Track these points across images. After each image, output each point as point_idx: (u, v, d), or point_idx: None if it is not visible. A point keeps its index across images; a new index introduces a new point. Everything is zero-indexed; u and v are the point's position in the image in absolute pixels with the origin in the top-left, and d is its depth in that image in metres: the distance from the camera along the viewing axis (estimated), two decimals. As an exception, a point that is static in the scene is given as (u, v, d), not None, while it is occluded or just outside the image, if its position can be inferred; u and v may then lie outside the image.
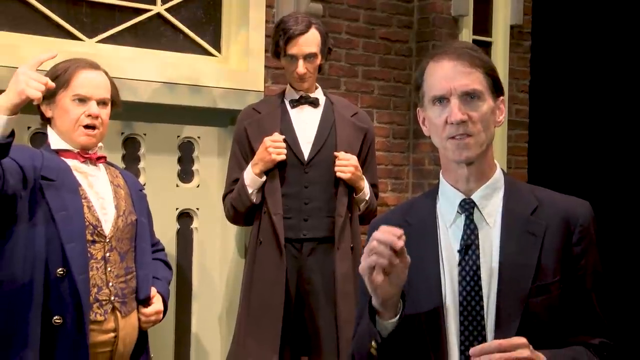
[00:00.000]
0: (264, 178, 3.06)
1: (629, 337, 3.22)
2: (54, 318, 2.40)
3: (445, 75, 1.69)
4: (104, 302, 2.51)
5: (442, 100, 1.70)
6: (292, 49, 3.06)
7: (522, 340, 1.53)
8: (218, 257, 3.74)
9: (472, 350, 1.53)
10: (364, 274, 1.58)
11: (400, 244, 1.53)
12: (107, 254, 2.54)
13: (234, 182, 3.16)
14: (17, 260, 2.39)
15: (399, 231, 1.54)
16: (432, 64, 1.73)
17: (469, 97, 1.68)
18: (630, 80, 4.90)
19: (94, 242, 2.50)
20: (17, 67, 2.25)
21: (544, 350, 1.58)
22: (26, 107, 2.25)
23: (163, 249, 2.95)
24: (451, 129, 1.68)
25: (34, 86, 2.19)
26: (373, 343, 1.65)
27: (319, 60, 3.13)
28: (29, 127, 3.21)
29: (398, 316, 1.63)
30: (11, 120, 2.19)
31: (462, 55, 1.71)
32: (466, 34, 4.17)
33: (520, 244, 1.68)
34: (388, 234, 1.53)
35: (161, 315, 2.72)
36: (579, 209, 1.74)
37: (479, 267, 1.68)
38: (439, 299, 1.69)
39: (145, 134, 3.57)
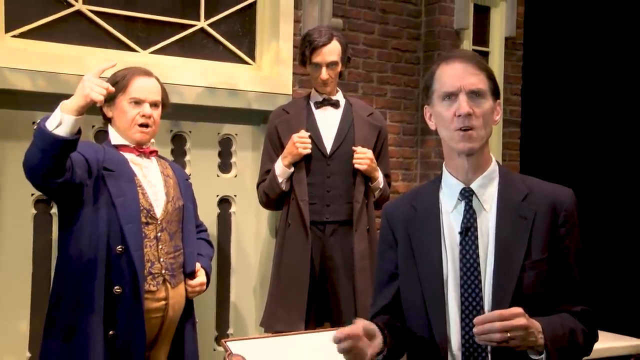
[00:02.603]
0: (292, 169, 3.07)
1: (605, 304, 3.24)
2: (115, 288, 2.43)
3: (456, 74, 1.69)
4: (156, 275, 2.53)
5: (451, 96, 1.69)
6: (317, 58, 3.06)
7: (519, 310, 1.53)
8: (253, 237, 3.76)
9: (476, 319, 1.53)
10: None
11: (343, 345, 1.55)
12: (159, 234, 2.56)
13: (266, 172, 3.16)
14: (84, 239, 2.41)
15: (341, 334, 1.55)
16: (444, 65, 1.72)
17: (475, 95, 1.68)
18: (608, 84, 4.87)
19: (147, 223, 2.52)
20: (83, 75, 2.27)
21: (537, 318, 1.58)
22: (91, 108, 2.27)
23: (206, 230, 2.96)
24: (458, 121, 1.67)
25: (98, 91, 2.21)
26: None
27: (339, 68, 3.12)
28: (93, 126, 3.24)
29: (385, 353, 1.65)
30: (78, 120, 2.21)
31: (471, 60, 1.72)
32: (467, 45, 4.14)
33: (513, 226, 1.67)
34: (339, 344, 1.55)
35: (205, 287, 2.73)
36: (563, 195, 1.73)
37: (477, 247, 1.67)
38: (441, 276, 1.68)
39: (190, 132, 3.58)
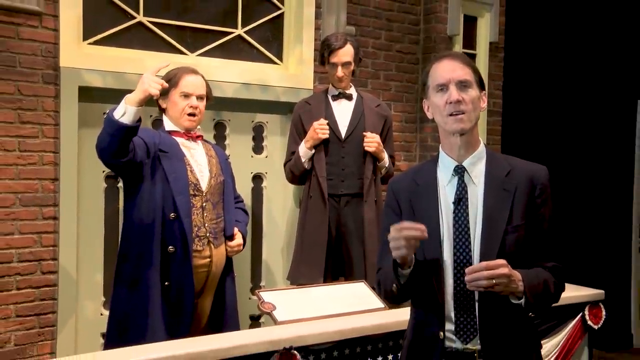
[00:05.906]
0: (313, 151, 3.05)
1: (572, 261, 3.26)
2: (169, 247, 2.44)
3: (446, 69, 1.67)
4: (202, 237, 2.54)
5: (443, 87, 1.67)
6: (334, 59, 3.03)
7: (503, 261, 1.53)
8: (280, 207, 3.76)
9: (467, 269, 1.54)
10: (397, 255, 1.58)
11: (426, 235, 1.54)
12: (204, 204, 2.56)
13: (291, 153, 3.15)
14: (144, 208, 2.43)
15: (423, 226, 1.54)
16: (436, 64, 1.71)
17: (463, 85, 1.66)
18: (575, 82, 4.85)
19: (194, 195, 2.53)
20: (142, 74, 2.28)
21: (517, 269, 1.57)
22: (149, 101, 2.28)
23: (242, 201, 2.96)
24: (450, 107, 1.65)
25: (154, 86, 2.22)
26: (394, 286, 1.67)
27: (352, 67, 3.09)
28: (150, 115, 3.25)
29: (412, 267, 1.63)
30: (139, 110, 2.23)
31: (458, 57, 1.70)
32: (457, 48, 4.10)
33: (498, 198, 1.65)
34: (415, 230, 1.53)
35: (242, 247, 2.74)
36: (539, 172, 1.71)
37: (468, 215, 1.66)
38: (438, 237, 1.67)
39: (229, 120, 3.57)
